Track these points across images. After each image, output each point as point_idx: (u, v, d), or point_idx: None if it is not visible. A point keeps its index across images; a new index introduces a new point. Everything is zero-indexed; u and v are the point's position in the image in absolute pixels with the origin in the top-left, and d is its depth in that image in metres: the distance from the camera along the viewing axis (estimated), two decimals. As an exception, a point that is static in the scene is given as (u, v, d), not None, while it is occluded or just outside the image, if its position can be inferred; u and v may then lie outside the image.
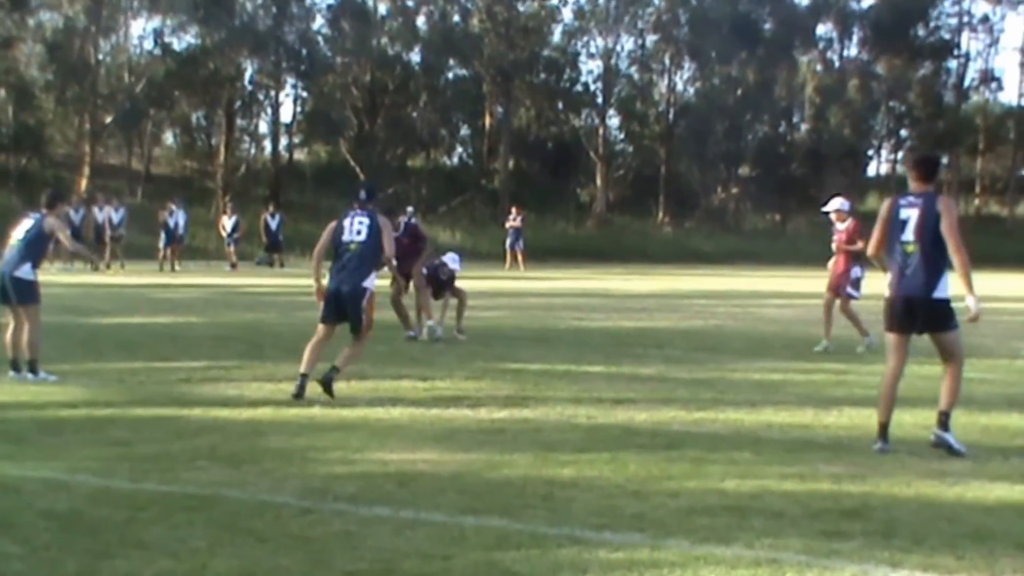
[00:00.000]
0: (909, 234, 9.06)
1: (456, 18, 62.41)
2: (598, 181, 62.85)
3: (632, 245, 55.10)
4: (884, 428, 9.11)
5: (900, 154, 70.61)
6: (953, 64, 68.34)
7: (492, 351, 15.45)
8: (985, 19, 68.66)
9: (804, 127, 66.59)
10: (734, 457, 8.68)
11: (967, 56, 68.64)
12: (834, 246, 16.58)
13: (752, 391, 12.05)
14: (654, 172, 63.20)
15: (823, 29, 67.45)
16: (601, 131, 63.91)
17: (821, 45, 67.51)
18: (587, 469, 8.20)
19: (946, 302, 9.16)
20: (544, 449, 8.86)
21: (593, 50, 64.58)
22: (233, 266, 37.73)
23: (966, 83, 69.11)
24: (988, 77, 69.75)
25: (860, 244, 15.40)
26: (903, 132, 68.61)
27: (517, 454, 8.69)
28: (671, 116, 64.45)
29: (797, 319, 21.59)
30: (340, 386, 11.43)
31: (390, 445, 9.03)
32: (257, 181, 60.17)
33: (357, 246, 11.39)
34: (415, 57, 63.00)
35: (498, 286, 30.02)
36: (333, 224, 11.74)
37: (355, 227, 11.46)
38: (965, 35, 68.39)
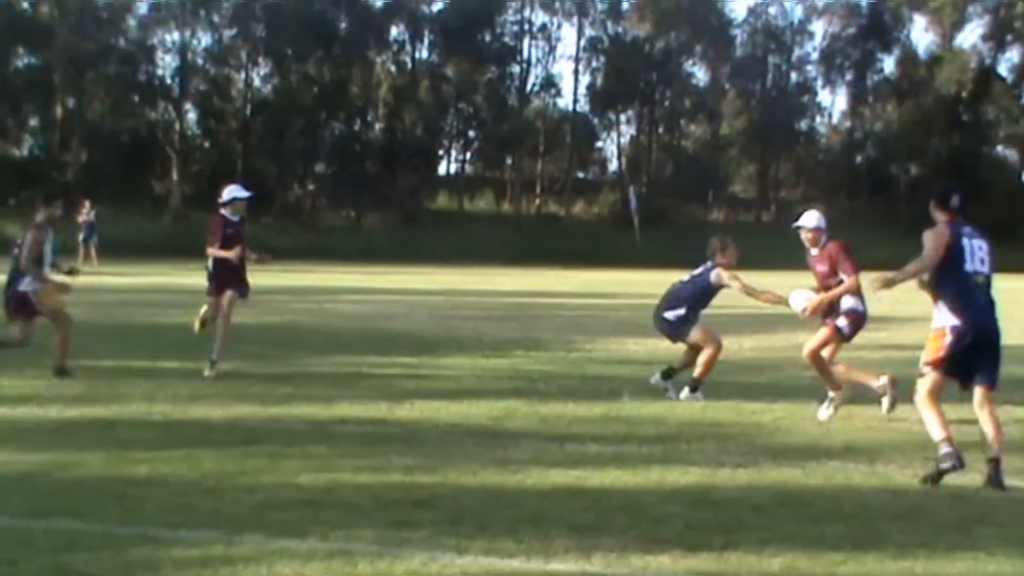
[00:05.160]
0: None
1: (24, 5, 59.66)
2: (174, 175, 61.59)
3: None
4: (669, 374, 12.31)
5: (469, 154, 73.13)
6: (516, 69, 71.30)
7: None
8: (544, 28, 72.18)
9: (378, 126, 67.66)
10: (309, 451, 8.80)
11: (528, 62, 71.83)
12: None
13: (327, 385, 12.22)
14: (231, 168, 62.52)
15: (396, 31, 68.80)
16: (178, 125, 62.74)
17: (395, 47, 68.77)
18: (162, 467, 8.12)
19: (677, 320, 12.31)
20: (118, 447, 8.71)
21: (170, 44, 63.34)
22: None
23: (527, 88, 72.24)
24: (547, 83, 73.25)
25: None
26: (471, 133, 70.94)
27: (90, 453, 8.50)
28: (248, 112, 64.03)
29: (372, 314, 22.01)
30: None
31: (-48, 449, 8.64)
32: None
33: (984, 279, 8.62)
34: (-20, 43, 59.85)
35: (71, 281, 28.91)
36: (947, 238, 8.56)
37: (977, 254, 8.57)
38: (526, 42, 71.59)
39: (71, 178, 58.95)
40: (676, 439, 9.65)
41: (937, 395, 8.46)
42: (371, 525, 6.78)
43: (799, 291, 11.53)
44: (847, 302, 11.16)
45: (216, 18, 62.42)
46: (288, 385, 12.16)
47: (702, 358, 12.11)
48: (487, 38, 68.63)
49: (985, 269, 8.57)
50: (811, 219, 11.42)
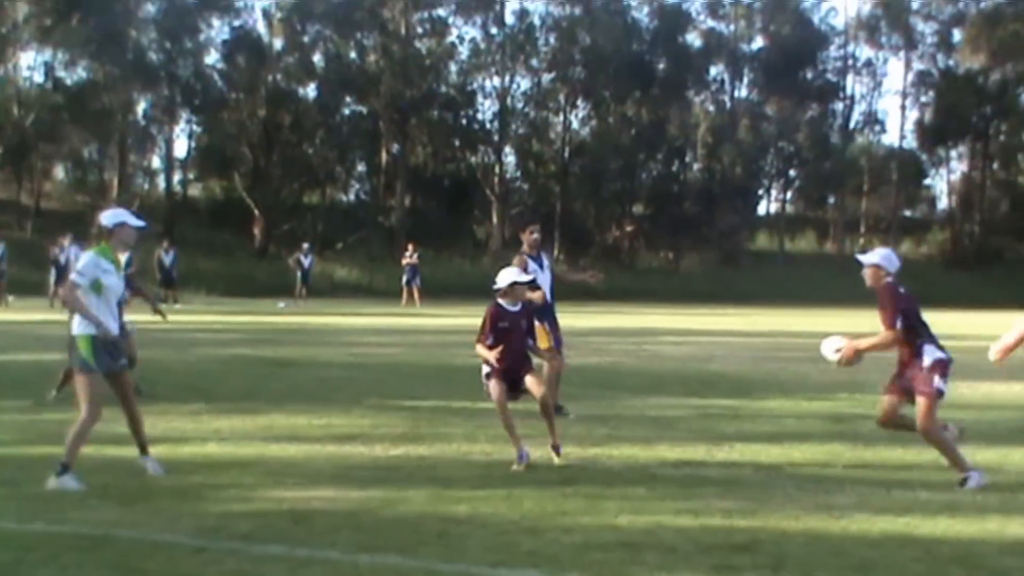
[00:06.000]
0: None
1: (352, 55, 62.42)
2: (494, 218, 63.03)
3: (527, 282, 55.37)
4: None
5: (790, 193, 71.93)
6: (839, 106, 69.88)
7: (388, 388, 15.41)
8: (868, 63, 70.58)
9: (696, 166, 67.45)
10: (628, 493, 8.73)
11: (852, 99, 70.31)
12: None
13: (646, 427, 12.15)
14: (550, 210, 63.59)
15: (715, 70, 68.58)
16: (497, 169, 64.19)
17: (713, 86, 68.55)
18: (482, 506, 8.20)
19: None
20: (439, 486, 8.86)
21: (489, 88, 64.98)
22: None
23: (851, 125, 70.69)
24: (871, 119, 71.48)
25: None
26: (792, 172, 69.88)
27: (412, 491, 8.68)
28: (566, 154, 64.94)
29: (690, 356, 21.82)
30: (235, 423, 11.45)
31: (285, 483, 8.98)
32: (151, 217, 59.38)
33: None
34: (311, 93, 62.95)
35: (394, 323, 29.95)
36: None
37: None
38: (850, 78, 70.12)
39: (395, 222, 61.25)
40: (1014, 488, 9.11)
41: None
42: (691, 569, 6.65)
43: (830, 339, 9.99)
44: (931, 354, 9.30)
45: (535, 62, 63.68)
46: (607, 426, 12.14)
47: None
48: (809, 75, 67.64)
49: None
50: (869, 256, 10.06)
